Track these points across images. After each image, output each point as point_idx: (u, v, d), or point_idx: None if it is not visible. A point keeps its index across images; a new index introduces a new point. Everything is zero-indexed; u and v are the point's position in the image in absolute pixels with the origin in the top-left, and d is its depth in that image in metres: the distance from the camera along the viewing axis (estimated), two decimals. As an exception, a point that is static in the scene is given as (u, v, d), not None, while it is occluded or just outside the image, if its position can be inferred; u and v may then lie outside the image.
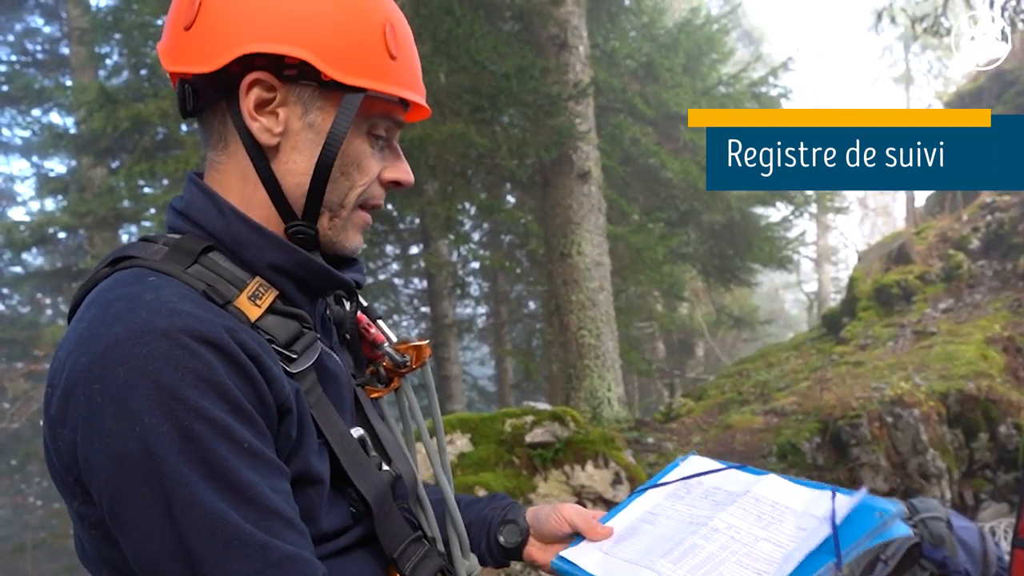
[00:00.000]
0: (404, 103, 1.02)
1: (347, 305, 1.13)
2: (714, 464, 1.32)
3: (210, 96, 0.97)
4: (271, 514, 0.82)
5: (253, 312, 0.91)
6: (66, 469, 0.84)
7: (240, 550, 0.79)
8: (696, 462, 1.34)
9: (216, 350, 0.81)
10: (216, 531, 0.78)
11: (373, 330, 1.14)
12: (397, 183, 1.04)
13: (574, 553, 1.22)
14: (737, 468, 1.28)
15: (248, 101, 0.94)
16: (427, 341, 1.16)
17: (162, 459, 0.77)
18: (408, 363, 1.13)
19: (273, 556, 0.81)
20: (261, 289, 0.93)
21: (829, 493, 1.13)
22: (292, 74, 0.94)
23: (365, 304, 1.15)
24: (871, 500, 1.08)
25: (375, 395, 1.14)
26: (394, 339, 1.15)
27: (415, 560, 1.02)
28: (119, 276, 0.89)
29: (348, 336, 1.13)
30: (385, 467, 1.05)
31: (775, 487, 1.19)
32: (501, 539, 1.26)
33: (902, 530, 1.05)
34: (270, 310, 0.93)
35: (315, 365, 0.96)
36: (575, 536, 1.25)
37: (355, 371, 1.11)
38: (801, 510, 1.12)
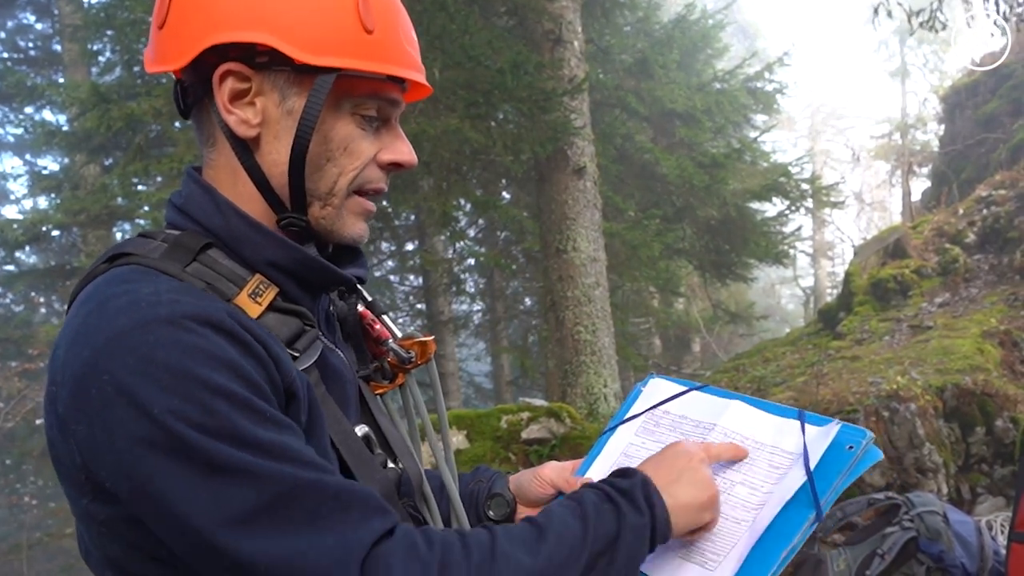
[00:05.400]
0: (397, 80, 0.98)
1: (350, 300, 1.11)
2: (677, 387, 1.28)
3: (196, 93, 0.96)
4: (309, 464, 0.81)
5: (254, 310, 0.90)
6: (78, 466, 0.83)
7: (292, 492, 0.78)
8: (659, 385, 1.31)
9: (222, 331, 0.80)
10: (263, 481, 0.77)
11: (378, 326, 1.12)
12: (397, 164, 1.00)
13: None
14: (698, 389, 1.26)
15: (222, 93, 0.92)
16: (432, 337, 1.15)
17: (188, 435, 0.76)
18: (413, 359, 1.12)
19: (329, 490, 0.80)
20: (261, 287, 0.92)
21: (796, 423, 1.09)
22: (264, 61, 0.91)
23: (369, 299, 1.13)
24: (841, 432, 1.03)
25: (380, 391, 1.13)
26: (399, 335, 1.13)
27: None
28: (116, 272, 0.88)
29: (350, 332, 1.11)
30: (390, 464, 1.04)
31: (742, 416, 1.16)
32: (490, 513, 1.26)
33: (875, 455, 1.01)
34: (271, 308, 0.92)
35: (317, 363, 0.95)
36: (559, 495, 1.24)
37: (358, 367, 1.10)
38: (771, 443, 1.09)
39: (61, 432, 0.84)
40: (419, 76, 0.99)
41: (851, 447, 1.00)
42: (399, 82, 0.99)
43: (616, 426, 1.29)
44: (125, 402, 0.76)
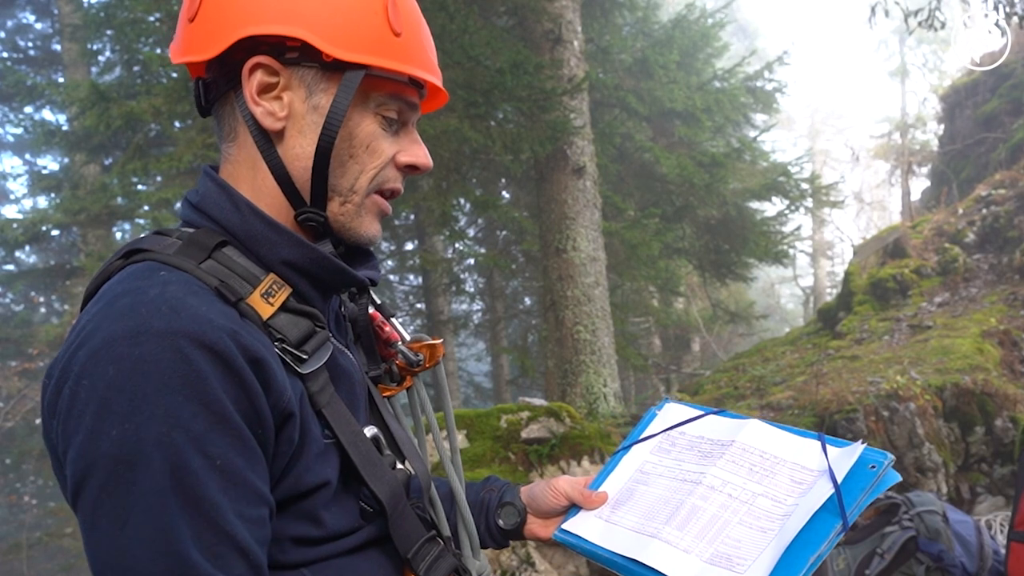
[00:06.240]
0: (416, 84, 1.00)
1: (360, 302, 1.12)
2: (692, 411, 1.31)
3: (220, 88, 0.97)
4: (226, 539, 0.80)
5: (265, 310, 0.90)
6: (59, 462, 0.84)
7: None
8: (674, 410, 1.34)
9: (211, 355, 0.80)
10: (163, 555, 0.76)
11: (387, 328, 1.13)
12: (413, 167, 1.02)
13: (574, 524, 1.23)
14: (716, 413, 1.29)
15: (250, 86, 0.93)
16: (440, 340, 1.16)
17: (130, 465, 0.76)
18: (422, 362, 1.13)
19: None
20: (275, 286, 0.92)
21: (817, 442, 1.13)
22: (294, 57, 0.93)
23: (379, 302, 1.14)
24: (865, 452, 1.08)
25: (387, 393, 1.13)
26: (407, 337, 1.14)
27: (429, 560, 1.02)
28: (130, 270, 0.88)
29: (362, 333, 1.12)
30: (399, 466, 1.04)
31: (760, 434, 1.19)
32: (500, 522, 1.27)
33: (894, 477, 1.05)
34: (283, 308, 0.92)
35: (327, 364, 0.95)
36: (572, 506, 1.26)
37: (368, 369, 1.10)
38: (792, 460, 1.12)
39: (44, 426, 0.86)
40: (439, 81, 1.02)
41: (873, 466, 1.05)
42: (418, 87, 1.01)
43: (631, 445, 1.31)
44: (92, 411, 0.77)
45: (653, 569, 1.06)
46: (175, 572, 0.76)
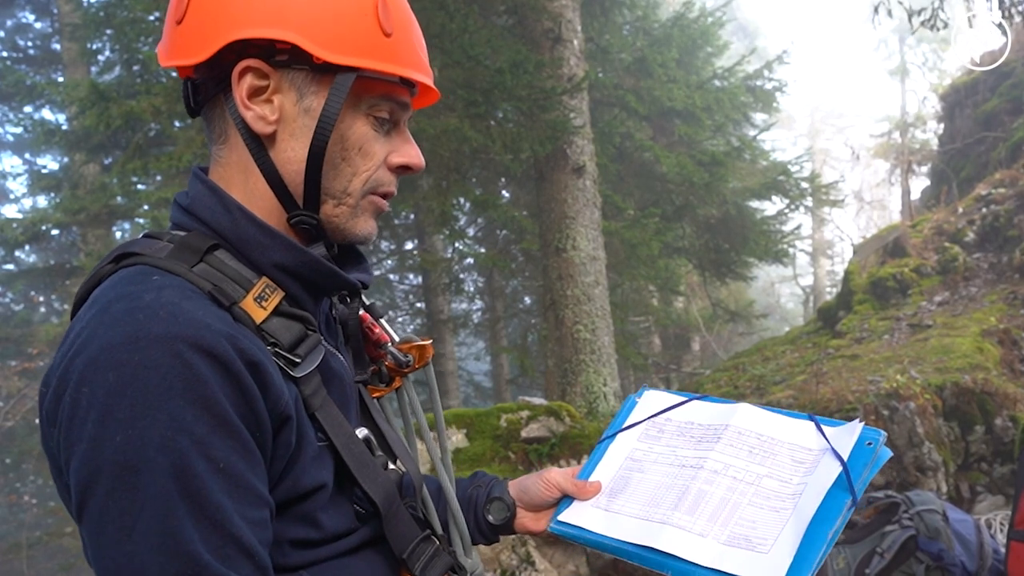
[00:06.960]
0: (407, 83, 0.99)
1: (349, 303, 1.11)
2: (674, 397, 1.32)
3: (209, 90, 0.96)
4: (232, 542, 0.80)
5: (259, 314, 0.89)
6: (59, 470, 0.84)
7: None
8: (654, 397, 1.35)
9: (210, 359, 0.79)
10: (173, 557, 0.76)
11: (377, 330, 1.13)
12: (406, 167, 1.01)
13: (571, 515, 1.22)
14: (699, 398, 1.30)
15: (240, 89, 0.92)
16: (430, 341, 1.16)
17: (135, 470, 0.76)
18: (411, 363, 1.13)
19: None
20: (267, 290, 0.92)
21: (809, 423, 1.16)
22: (284, 59, 0.92)
23: (368, 303, 1.14)
24: (863, 431, 1.11)
25: (377, 394, 1.13)
26: (397, 338, 1.14)
27: (424, 560, 1.02)
28: (122, 274, 0.88)
29: (352, 335, 1.11)
30: (391, 466, 1.05)
31: (752, 417, 1.21)
32: (490, 518, 1.27)
33: (887, 453, 1.10)
34: (275, 312, 0.92)
35: (319, 367, 0.95)
36: (563, 499, 1.26)
37: (357, 370, 1.10)
38: (788, 440, 1.15)
39: (43, 435, 0.86)
40: (430, 80, 1.01)
41: (870, 443, 1.09)
42: (410, 86, 1.00)
43: (615, 433, 1.31)
44: (94, 418, 0.77)
45: (669, 555, 1.07)
46: (186, 574, 0.76)
